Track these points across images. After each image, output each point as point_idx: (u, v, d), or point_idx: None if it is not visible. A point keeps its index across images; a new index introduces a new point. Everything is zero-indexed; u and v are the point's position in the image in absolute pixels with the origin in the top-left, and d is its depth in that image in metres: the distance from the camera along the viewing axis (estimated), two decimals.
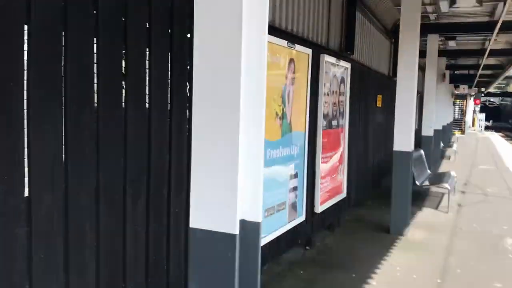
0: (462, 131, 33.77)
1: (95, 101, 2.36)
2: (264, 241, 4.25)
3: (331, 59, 5.78)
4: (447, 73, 18.64)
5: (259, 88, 2.10)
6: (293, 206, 4.90)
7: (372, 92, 8.79)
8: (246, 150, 2.06)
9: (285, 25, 4.82)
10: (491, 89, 46.10)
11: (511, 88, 67.13)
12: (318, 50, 5.47)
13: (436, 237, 6.50)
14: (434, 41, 11.64)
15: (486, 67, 19.53)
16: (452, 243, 6.29)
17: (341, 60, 6.15)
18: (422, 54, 12.46)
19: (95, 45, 2.32)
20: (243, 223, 2.11)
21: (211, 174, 1.99)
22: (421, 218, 7.56)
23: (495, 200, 9.37)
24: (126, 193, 2.58)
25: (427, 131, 12.00)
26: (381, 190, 9.77)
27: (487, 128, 46.39)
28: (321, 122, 5.54)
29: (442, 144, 16.63)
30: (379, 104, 9.36)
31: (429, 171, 10.04)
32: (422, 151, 10.10)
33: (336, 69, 6.05)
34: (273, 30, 4.36)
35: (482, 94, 43.48)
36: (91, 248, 2.35)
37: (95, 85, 2.35)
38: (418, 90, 17.87)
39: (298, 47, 4.69)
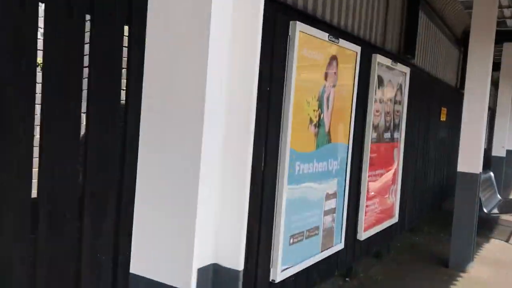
0: None
1: (39, 88, 1.75)
2: (287, 273, 3.51)
3: (386, 61, 4.96)
4: None
5: (249, 82, 1.39)
6: (329, 232, 4.12)
7: (436, 104, 7.80)
8: (221, 166, 1.37)
9: (329, 17, 4.08)
10: None
11: None
12: (369, 49, 4.68)
13: (506, 277, 5.45)
14: (511, 51, 10.37)
15: None
16: None
17: (398, 63, 5.31)
18: (496, 66, 11.21)
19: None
20: (216, 269, 1.42)
21: (160, 199, 1.31)
22: (487, 252, 6.47)
23: None
24: (84, 210, 1.96)
25: (499, 151, 10.71)
26: (442, 215, 8.68)
27: None
28: (369, 134, 4.73)
29: None
30: (443, 118, 8.32)
31: (499, 197, 8.83)
32: (491, 173, 8.91)
33: (391, 73, 5.21)
34: (312, 20, 3.65)
35: None
36: None
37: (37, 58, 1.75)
38: (489, 106, 16.37)
39: (343, 42, 3.94)
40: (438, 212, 9.05)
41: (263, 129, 3.10)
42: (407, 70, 5.63)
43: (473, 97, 5.53)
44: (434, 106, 7.68)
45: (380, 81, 4.91)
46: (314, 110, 3.65)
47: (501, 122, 10.71)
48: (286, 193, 3.34)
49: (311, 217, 3.77)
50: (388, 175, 5.44)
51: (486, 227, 8.05)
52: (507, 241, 7.21)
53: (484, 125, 5.60)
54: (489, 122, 16.78)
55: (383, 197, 5.36)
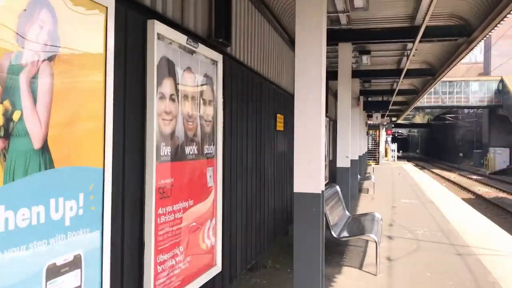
0: (377, 162, 33.20)
1: None
2: None
3: (176, 36, 3.27)
4: (361, 99, 17.14)
5: None
6: None
7: (269, 110, 6.43)
8: None
9: None
10: (400, 120, 47.11)
11: (417, 119, 70.30)
12: (143, 13, 2.95)
13: None
14: (346, 52, 9.69)
15: (400, 92, 18.40)
16: None
17: (200, 45, 3.67)
18: (334, 75, 10.55)
19: None
20: None
21: None
22: None
23: (430, 247, 7.29)
24: None
25: (343, 161, 9.91)
26: (289, 241, 7.34)
27: (399, 158, 47.26)
28: (153, 149, 2.95)
29: (359, 176, 14.86)
30: (280, 127, 7.01)
31: (347, 213, 7.82)
32: (337, 188, 7.88)
33: (192, 59, 3.55)
34: None
35: (393, 125, 44.19)
36: None
37: None
38: (332, 117, 15.96)
39: None
40: (285, 238, 7.72)
41: None
42: (218, 58, 4.04)
43: (305, 101, 4.18)
44: (267, 112, 6.30)
45: (171, 67, 3.20)
46: None
47: (343, 131, 9.96)
48: None
49: None
50: (200, 208, 3.73)
51: (336, 251, 6.90)
52: (360, 268, 6.04)
53: (323, 134, 4.27)
54: (333, 133, 16.59)
55: (194, 242, 3.62)
